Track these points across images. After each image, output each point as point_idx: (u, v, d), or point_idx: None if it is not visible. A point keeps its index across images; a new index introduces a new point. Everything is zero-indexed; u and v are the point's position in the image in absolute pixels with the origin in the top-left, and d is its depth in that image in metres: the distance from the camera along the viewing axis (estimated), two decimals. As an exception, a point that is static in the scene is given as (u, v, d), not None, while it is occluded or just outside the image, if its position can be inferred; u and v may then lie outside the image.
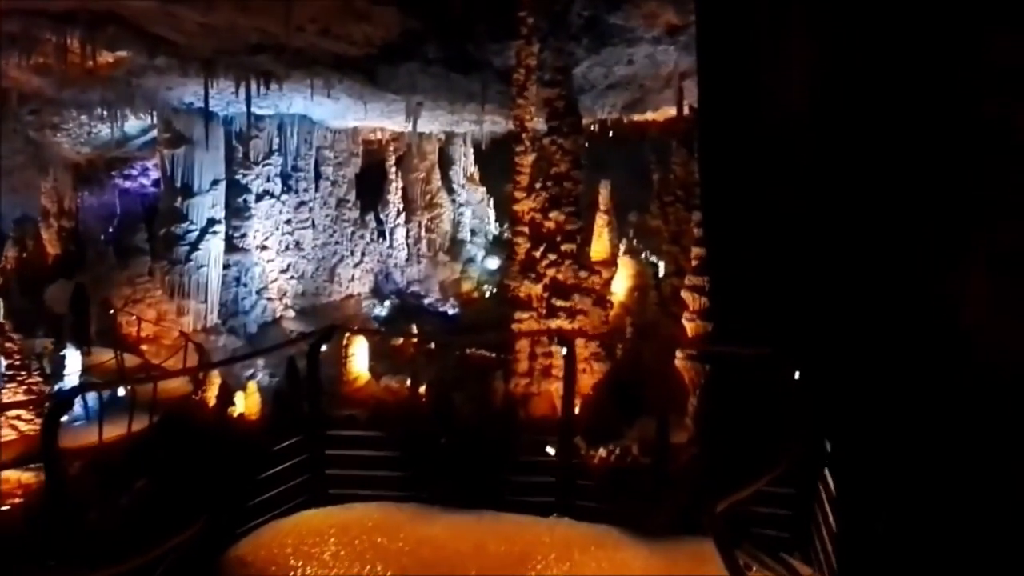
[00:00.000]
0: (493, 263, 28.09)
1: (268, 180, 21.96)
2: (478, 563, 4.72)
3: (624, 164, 22.93)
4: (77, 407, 11.50)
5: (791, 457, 3.76)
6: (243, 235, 21.26)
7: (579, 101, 14.91)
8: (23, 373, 11.97)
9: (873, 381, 4.71)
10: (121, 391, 13.28)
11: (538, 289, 13.80)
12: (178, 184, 19.60)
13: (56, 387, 12.80)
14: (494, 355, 16.50)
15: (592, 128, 20.16)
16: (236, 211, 21.01)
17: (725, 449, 6.91)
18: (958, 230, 4.23)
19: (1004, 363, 4.01)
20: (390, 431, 5.78)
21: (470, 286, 27.52)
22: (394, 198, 26.81)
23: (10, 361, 11.85)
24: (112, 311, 17.90)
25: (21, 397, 11.61)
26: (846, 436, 4.25)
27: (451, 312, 25.90)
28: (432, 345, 20.36)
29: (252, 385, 16.04)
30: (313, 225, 23.58)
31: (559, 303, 13.76)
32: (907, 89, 4.54)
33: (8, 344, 12.00)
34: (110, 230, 22.00)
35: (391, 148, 26.86)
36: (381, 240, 26.39)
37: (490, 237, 29.51)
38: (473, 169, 29.44)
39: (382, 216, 26.61)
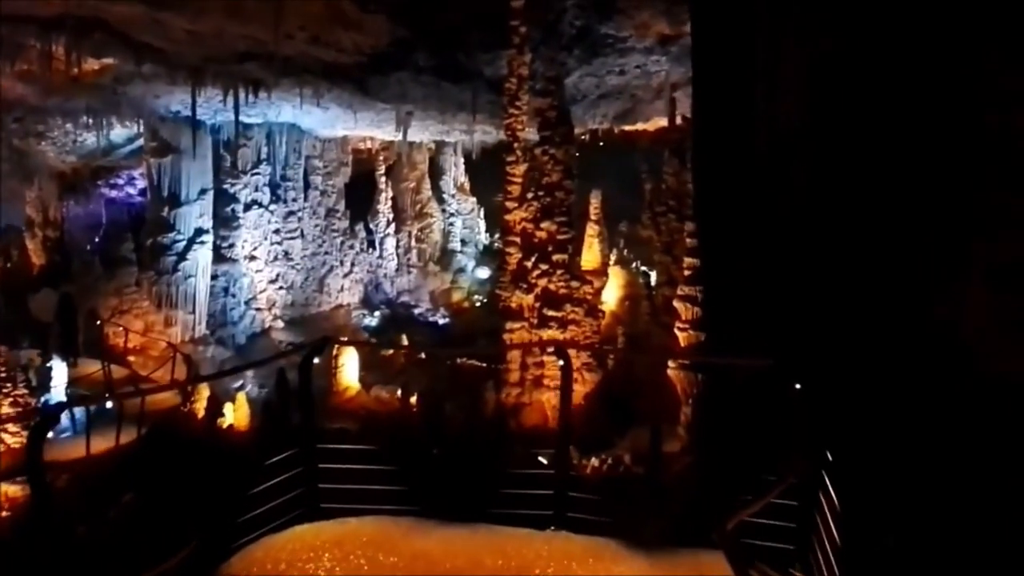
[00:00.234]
0: (483, 273, 28.02)
1: (256, 189, 21.84)
2: (475, 578, 4.64)
3: (614, 174, 22.94)
4: (64, 419, 11.36)
5: (797, 472, 3.70)
6: (231, 245, 21.13)
7: (570, 111, 14.90)
8: (8, 385, 11.83)
9: (871, 393, 4.67)
10: (109, 403, 13.15)
11: (530, 299, 13.75)
12: (165, 193, 19.47)
13: (42, 399, 12.64)
14: (485, 365, 16.42)
15: (583, 138, 20.16)
16: (224, 221, 20.88)
17: (720, 459, 6.86)
18: (957, 241, 4.20)
19: (1004, 375, 3.99)
20: (383, 444, 5.69)
21: (460, 296, 27.44)
22: (384, 208, 26.71)
23: (-5, 373, 11.71)
24: (99, 322, 17.72)
25: (7, 409, 11.49)
26: (847, 448, 4.19)
27: (441, 322, 25.80)
28: (423, 355, 20.26)
29: (241, 397, 15.90)
30: (302, 235, 23.46)
31: (551, 313, 13.72)
32: (905, 99, 4.50)
33: (-7, 356, 11.86)
34: (96, 240, 21.81)
35: (381, 157, 26.79)
36: (371, 250, 26.28)
37: (480, 247, 29.44)
38: (463, 179, 29.38)
39: (372, 226, 26.51)
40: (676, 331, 11.11)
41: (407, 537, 5.02)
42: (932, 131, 4.32)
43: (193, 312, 19.75)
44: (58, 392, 13.52)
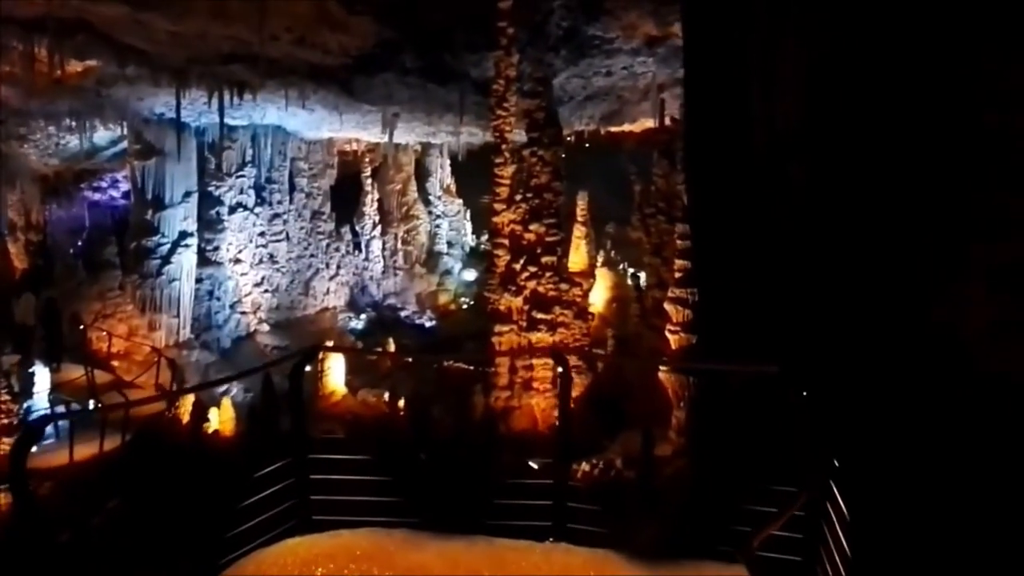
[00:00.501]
0: (470, 275, 27.95)
1: (241, 192, 21.68)
2: (472, 593, 4.54)
3: (600, 175, 22.92)
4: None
5: (814, 485, 3.63)
6: (216, 248, 20.96)
7: (558, 112, 14.84)
8: (-10, 391, 11.64)
9: (872, 396, 4.62)
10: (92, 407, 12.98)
11: (518, 302, 13.66)
12: (149, 196, 19.30)
13: (25, 405, 12.46)
14: (473, 368, 16.31)
15: (569, 139, 20.11)
16: (209, 224, 20.71)
17: (716, 464, 6.80)
18: (956, 242, 4.17)
19: (1005, 377, 3.95)
20: (375, 453, 5.58)
21: (447, 298, 27.35)
22: (370, 210, 26.58)
23: (-24, 379, 11.53)
24: (82, 326, 17.52)
25: (-11, 415, 11.30)
26: (853, 455, 4.13)
27: (428, 325, 25.71)
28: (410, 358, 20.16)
29: (226, 401, 15.71)
30: (288, 238, 23.31)
31: (540, 316, 13.64)
32: (904, 101, 4.46)
33: (-26, 362, 11.68)
34: (79, 243, 21.55)
35: (367, 159, 26.66)
36: (357, 252, 26.15)
37: (467, 249, 29.36)
38: (450, 181, 29.29)
39: (358, 228, 26.37)
40: (667, 334, 11.02)
41: (402, 550, 4.91)
42: (931, 131, 4.28)
43: (177, 316, 19.57)
44: (41, 398, 13.34)
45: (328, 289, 24.83)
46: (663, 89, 16.24)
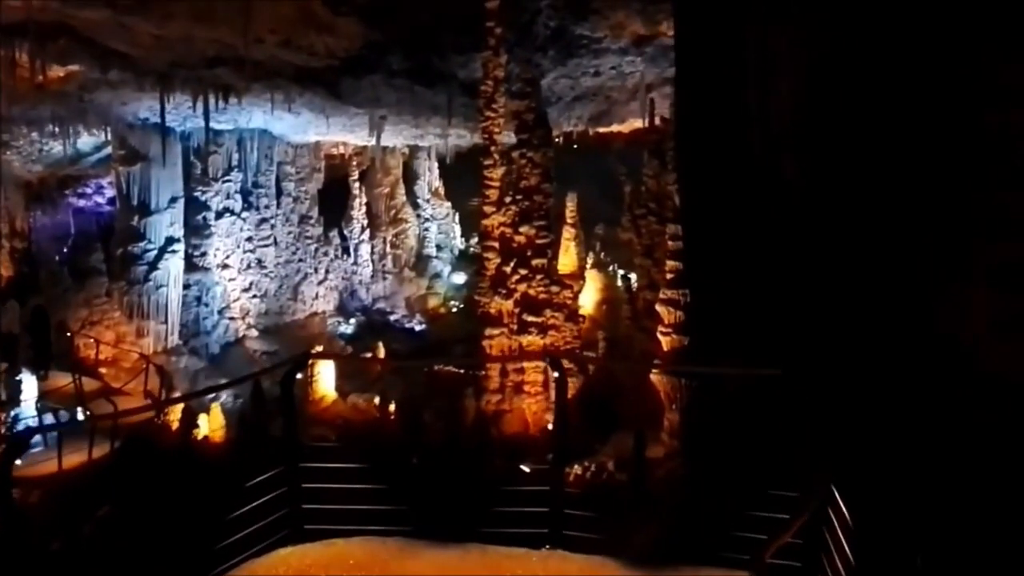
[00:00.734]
0: (459, 278, 27.86)
1: (228, 197, 21.51)
2: (467, 602, 4.47)
3: (589, 177, 22.88)
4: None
5: (822, 492, 3.57)
6: (203, 253, 20.79)
7: (546, 114, 14.77)
8: (-23, 399, 11.55)
9: (871, 398, 4.57)
10: (81, 415, 12.85)
11: (509, 305, 13.58)
12: (134, 202, 19.12)
13: (12, 413, 12.36)
14: (464, 371, 16.23)
15: (558, 141, 20.06)
16: (195, 229, 20.55)
17: (710, 467, 6.74)
18: (957, 242, 4.13)
19: (1005, 377, 3.91)
20: (367, 460, 5.50)
21: (437, 302, 27.24)
22: (358, 214, 26.44)
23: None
24: (68, 334, 17.35)
25: (-24, 424, 11.21)
26: (854, 458, 4.08)
27: (418, 328, 25.60)
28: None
29: (216, 407, 15.60)
30: (275, 242, 23.15)
31: (530, 319, 13.57)
32: (904, 100, 4.42)
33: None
34: (64, 250, 21.37)
35: (354, 163, 26.51)
36: (345, 257, 26.01)
37: (456, 252, 29.25)
38: (438, 183, 29.17)
39: (346, 232, 26.23)
40: (659, 335, 10.99)
41: (397, 559, 4.83)
42: (931, 130, 4.23)
43: (165, 322, 19.40)
44: (28, 406, 13.21)
45: (317, 294, 24.69)
46: (651, 89, 16.21)
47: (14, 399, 12.85)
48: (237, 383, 14.36)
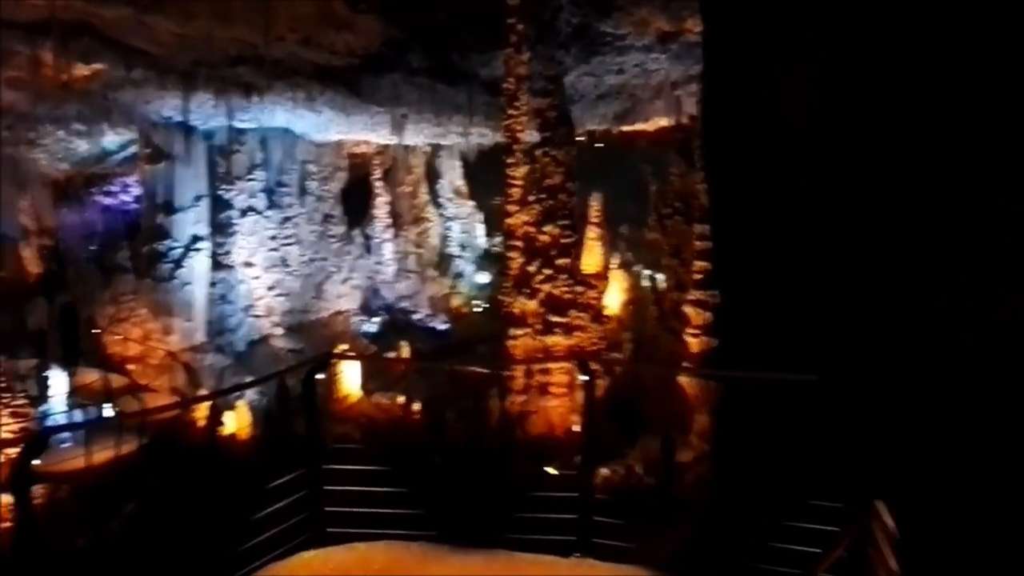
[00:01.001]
0: (483, 278, 27.75)
1: (252, 196, 21.54)
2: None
3: (613, 176, 22.67)
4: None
5: (866, 502, 3.45)
6: (227, 252, 20.84)
7: (569, 111, 14.65)
8: (7, 395, 11.71)
9: (900, 402, 4.50)
10: (108, 411, 12.96)
11: (533, 305, 13.48)
12: (159, 200, 19.22)
13: (41, 409, 12.50)
14: (488, 371, 16.14)
15: (581, 139, 19.91)
16: (220, 227, 20.60)
17: (740, 472, 6.61)
18: (962, 240, 4.12)
19: (1006, 376, 3.89)
20: (391, 462, 5.43)
21: (460, 301, 27.15)
22: (381, 213, 26.39)
23: (-6, 383, 11.61)
24: (96, 330, 17.48)
25: (6, 419, 11.39)
26: (896, 469, 3.97)
27: (441, 327, 25.54)
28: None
29: (242, 405, 15.63)
30: (299, 241, 23.16)
31: (555, 319, 13.46)
32: (913, 99, 4.44)
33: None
34: (92, 248, 21.50)
35: (377, 162, 26.48)
36: (368, 255, 25.99)
37: (479, 251, 29.14)
38: (460, 182, 29.08)
39: (369, 231, 26.21)
40: (686, 337, 10.84)
41: (421, 564, 4.75)
42: (941, 132, 4.24)
43: (191, 320, 19.46)
44: (57, 401, 13.37)
45: (340, 292, 24.68)
46: (676, 86, 16.05)
47: (43, 395, 13.00)
48: (261, 382, 14.37)
